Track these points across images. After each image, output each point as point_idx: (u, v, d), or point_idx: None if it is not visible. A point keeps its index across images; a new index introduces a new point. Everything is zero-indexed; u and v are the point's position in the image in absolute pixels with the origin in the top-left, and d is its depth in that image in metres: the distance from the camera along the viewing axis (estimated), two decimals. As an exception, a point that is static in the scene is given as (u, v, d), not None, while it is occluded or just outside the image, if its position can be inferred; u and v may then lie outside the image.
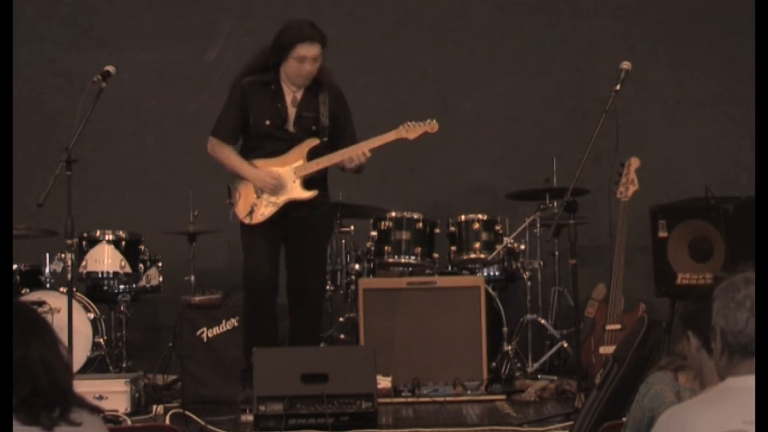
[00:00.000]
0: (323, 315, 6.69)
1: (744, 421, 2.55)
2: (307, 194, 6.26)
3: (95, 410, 2.78)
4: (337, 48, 8.05)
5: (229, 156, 6.32)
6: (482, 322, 6.80)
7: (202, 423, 5.82)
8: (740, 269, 2.82)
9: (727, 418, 2.58)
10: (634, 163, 7.00)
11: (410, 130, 6.27)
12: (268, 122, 6.26)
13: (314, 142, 6.27)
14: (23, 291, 7.10)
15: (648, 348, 4.42)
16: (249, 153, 6.33)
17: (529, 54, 8.49)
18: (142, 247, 7.39)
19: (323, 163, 6.25)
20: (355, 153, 6.20)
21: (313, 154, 6.26)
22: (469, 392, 6.58)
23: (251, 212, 6.23)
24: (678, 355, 3.23)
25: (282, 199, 6.24)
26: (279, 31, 6.25)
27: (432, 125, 6.31)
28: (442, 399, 6.46)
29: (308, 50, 6.16)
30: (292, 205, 6.26)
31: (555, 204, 7.29)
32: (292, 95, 6.29)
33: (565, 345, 7.24)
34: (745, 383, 2.63)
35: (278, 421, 5.61)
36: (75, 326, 6.04)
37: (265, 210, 6.24)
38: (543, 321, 7.40)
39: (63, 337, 5.88)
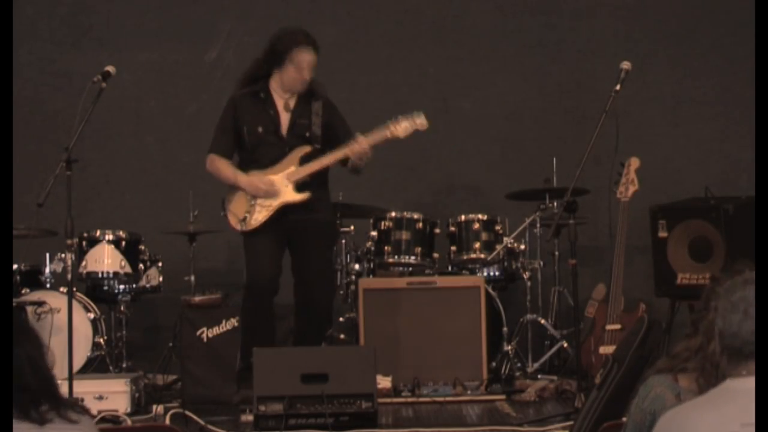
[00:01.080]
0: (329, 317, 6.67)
1: (742, 423, 2.55)
2: (299, 196, 6.23)
3: (85, 412, 2.79)
4: (337, 48, 8.09)
5: (225, 168, 6.30)
6: (482, 322, 6.79)
7: (202, 423, 5.82)
8: (736, 268, 2.82)
9: (726, 421, 2.57)
10: (634, 163, 7.00)
11: (398, 128, 6.18)
12: (260, 129, 6.26)
13: (306, 149, 6.26)
14: (23, 291, 7.10)
15: (648, 348, 4.41)
16: (245, 167, 6.32)
17: (529, 54, 8.49)
18: (142, 247, 7.39)
19: (314, 166, 6.23)
20: (341, 154, 6.17)
21: (305, 161, 6.25)
22: (469, 392, 6.57)
23: (244, 219, 6.22)
24: (678, 357, 3.22)
25: (275, 204, 6.22)
26: (272, 39, 6.24)
27: (421, 122, 6.23)
28: (442, 399, 6.46)
29: (305, 55, 6.16)
30: (288, 209, 6.23)
31: (555, 204, 7.29)
32: (283, 102, 6.29)
33: (565, 345, 7.24)
34: (744, 385, 2.63)
35: (278, 421, 5.61)
36: (75, 326, 6.03)
37: (258, 215, 6.23)
38: (543, 321, 7.40)
39: (63, 337, 5.97)
